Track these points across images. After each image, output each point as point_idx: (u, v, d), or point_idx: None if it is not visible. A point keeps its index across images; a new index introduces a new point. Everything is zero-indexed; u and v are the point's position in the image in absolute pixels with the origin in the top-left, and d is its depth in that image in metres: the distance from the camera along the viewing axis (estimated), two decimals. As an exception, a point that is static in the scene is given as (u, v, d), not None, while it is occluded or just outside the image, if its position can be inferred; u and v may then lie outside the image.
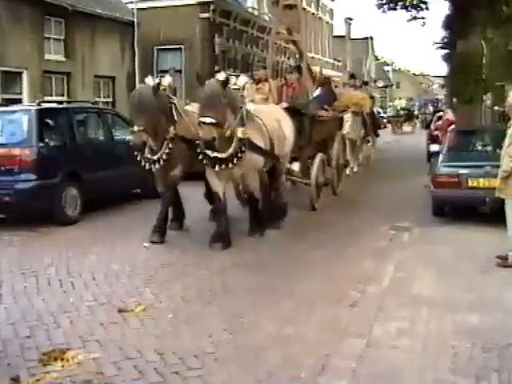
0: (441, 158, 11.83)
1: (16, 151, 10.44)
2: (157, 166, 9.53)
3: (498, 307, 6.51)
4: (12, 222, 10.84)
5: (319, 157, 12.62)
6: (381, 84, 67.68)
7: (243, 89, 9.72)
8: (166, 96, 9.71)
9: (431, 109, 50.67)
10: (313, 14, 44.74)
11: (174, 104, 9.78)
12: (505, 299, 6.80)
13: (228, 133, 8.71)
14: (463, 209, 11.57)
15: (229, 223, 9.44)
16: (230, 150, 8.81)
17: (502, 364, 5.12)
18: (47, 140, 10.88)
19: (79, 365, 5.01)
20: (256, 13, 33.96)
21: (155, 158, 9.47)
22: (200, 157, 8.99)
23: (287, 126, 10.61)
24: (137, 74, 24.05)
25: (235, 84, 9.32)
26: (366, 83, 23.11)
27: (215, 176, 9.25)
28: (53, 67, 21.32)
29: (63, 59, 21.88)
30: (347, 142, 16.88)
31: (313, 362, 5.16)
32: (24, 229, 10.36)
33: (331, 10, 51.41)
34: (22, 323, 5.96)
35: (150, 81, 9.48)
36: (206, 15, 27.13)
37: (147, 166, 9.63)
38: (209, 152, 8.79)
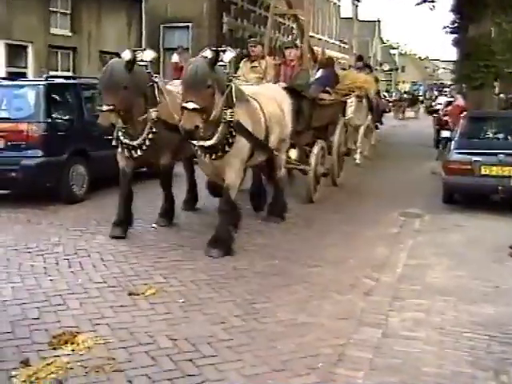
0: (453, 144, 11.66)
1: (23, 126, 10.23)
2: (139, 152, 8.35)
3: (514, 298, 6.41)
4: (17, 199, 10.70)
5: (319, 144, 11.40)
6: (386, 67, 67.24)
7: (236, 66, 9.22)
8: (145, 73, 8.54)
9: (436, 93, 49.66)
10: (320, -6, 44.27)
11: (156, 83, 8.59)
12: (521, 290, 6.69)
13: (213, 116, 7.47)
14: (474, 196, 11.45)
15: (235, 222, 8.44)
16: (217, 136, 7.61)
17: (520, 358, 5.02)
18: (55, 116, 10.67)
19: (90, 349, 4.87)
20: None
21: (135, 143, 8.33)
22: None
23: (288, 110, 9.42)
24: (143, 52, 23.76)
25: (221, 60, 8.07)
26: (369, 66, 22.30)
27: (206, 167, 8.15)
28: (59, 42, 21.13)
29: (69, 34, 21.69)
30: (350, 128, 15.94)
31: (329, 352, 5.03)
32: (30, 206, 10.20)
33: (339, -10, 50.94)
34: (30, 304, 5.82)
35: (126, 55, 8.20)
36: (214, -7, 26.82)
37: (126, 153, 8.44)
38: (194, 142, 7.71)
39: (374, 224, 9.82)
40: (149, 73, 8.72)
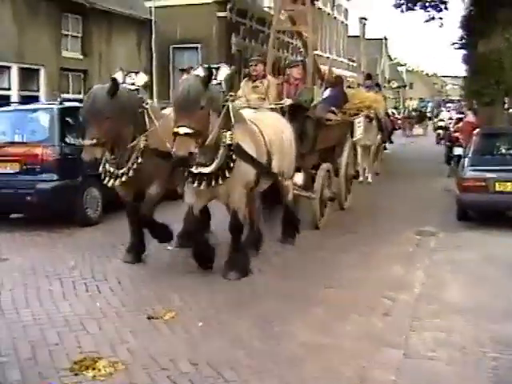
0: (467, 161, 11.64)
1: (38, 150, 10.30)
2: (123, 178, 7.82)
3: (535, 316, 6.36)
4: (32, 222, 10.73)
5: (325, 167, 10.84)
6: (395, 85, 67.46)
7: (230, 85, 7.89)
8: (135, 99, 7.89)
9: (443, 109, 48.65)
10: (328, 13, 44.51)
11: (146, 110, 8.00)
12: (541, 308, 6.65)
13: (210, 140, 6.88)
14: (488, 213, 11.40)
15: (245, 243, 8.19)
16: (217, 162, 7.06)
17: (544, 377, 4.97)
18: (69, 139, 10.73)
19: (111, 375, 4.87)
20: (272, 12, 33.74)
21: (120, 172, 7.82)
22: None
23: (289, 138, 8.89)
24: (154, 73, 23.98)
25: (215, 78, 7.39)
26: (378, 85, 21.71)
27: (195, 194, 7.46)
28: (70, 64, 21.30)
29: (80, 57, 21.86)
30: (359, 149, 16.03)
31: (351, 374, 5.01)
32: (45, 229, 10.25)
33: (346, 9, 51.13)
34: (50, 328, 5.83)
35: (119, 76, 7.78)
36: (222, 14, 27.00)
37: (109, 182, 7.98)
38: (191, 169, 7.08)
39: (389, 243, 9.77)
40: (140, 98, 8.04)
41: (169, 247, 8.98)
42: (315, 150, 10.70)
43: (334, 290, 7.28)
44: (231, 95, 7.78)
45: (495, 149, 12.29)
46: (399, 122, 40.36)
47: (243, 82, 10.65)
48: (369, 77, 20.82)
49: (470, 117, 16.88)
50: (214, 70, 7.35)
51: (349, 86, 17.84)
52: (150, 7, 24.44)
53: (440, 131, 31.67)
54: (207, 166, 7.05)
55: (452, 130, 20.42)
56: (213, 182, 7.10)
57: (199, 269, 7.84)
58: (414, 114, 47.33)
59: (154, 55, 24.66)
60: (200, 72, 7.05)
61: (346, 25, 51.99)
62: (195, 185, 7.16)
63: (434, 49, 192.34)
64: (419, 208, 12.98)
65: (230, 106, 7.30)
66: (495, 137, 12.87)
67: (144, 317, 6.16)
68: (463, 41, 22.53)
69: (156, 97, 22.85)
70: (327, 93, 12.75)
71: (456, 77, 79.13)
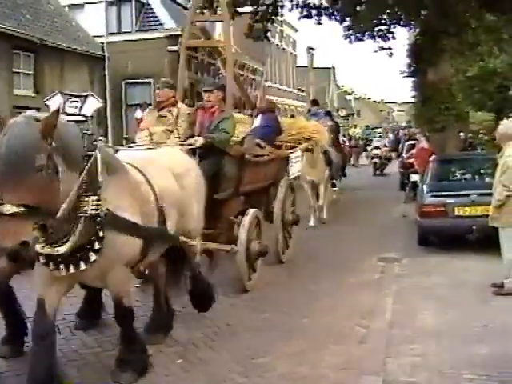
0: (425, 187, 11.90)
1: None
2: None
3: (506, 336, 6.53)
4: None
5: (252, 214, 8.81)
6: (343, 113, 68.40)
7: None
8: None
9: (391, 136, 44.21)
10: (277, 45, 45.11)
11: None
12: (511, 328, 6.80)
13: (63, 211, 4.57)
14: (449, 237, 11.64)
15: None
16: (72, 240, 4.84)
17: (521, 397, 5.10)
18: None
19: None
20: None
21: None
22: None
23: (195, 183, 6.66)
24: (108, 109, 23.93)
25: (79, 114, 5.76)
26: (329, 113, 20.17)
27: (49, 281, 5.15)
28: (22, 102, 21.05)
29: (32, 94, 21.65)
30: (306, 186, 14.38)
31: (335, 404, 5.06)
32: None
33: (294, 40, 51.93)
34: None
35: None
36: (174, 48, 27.10)
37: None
38: (38, 247, 4.73)
39: (354, 271, 9.88)
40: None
41: (137, 284, 8.90)
42: (239, 193, 8.97)
43: (309, 320, 7.35)
44: (101, 139, 5.61)
45: (452, 174, 12.62)
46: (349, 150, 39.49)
47: (147, 111, 9.09)
48: (315, 103, 18.70)
49: (424, 143, 17.26)
50: (78, 102, 5.94)
51: (292, 116, 17.01)
52: (102, 43, 24.44)
53: (376, 160, 30.11)
54: (61, 245, 4.85)
55: (405, 156, 20.77)
56: (71, 267, 4.94)
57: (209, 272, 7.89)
58: (360, 142, 41.76)
59: (108, 91, 24.60)
60: (32, 114, 4.62)
61: (295, 55, 52.73)
62: (50, 268, 4.97)
63: (381, 77, 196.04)
64: (380, 235, 13.15)
65: (99, 156, 4.97)
66: (451, 162, 13.23)
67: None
68: (411, 69, 23.10)
69: (111, 135, 22.80)
70: (257, 121, 10.97)
71: (403, 103, 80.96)
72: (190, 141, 8.08)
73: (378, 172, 29.45)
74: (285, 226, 10.59)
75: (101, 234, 4.95)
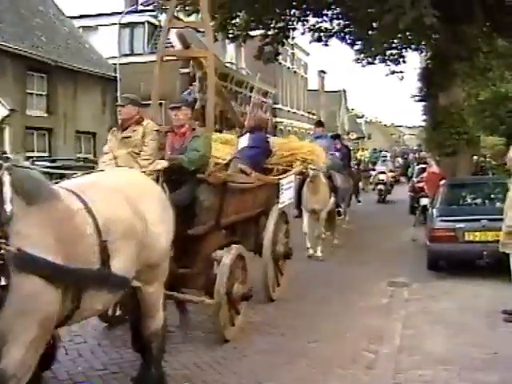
0: (435, 211, 11.85)
1: None
2: None
3: (517, 365, 6.45)
4: None
5: (233, 252, 7.48)
6: (354, 136, 68.47)
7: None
8: None
9: (400, 161, 42.77)
10: (288, 67, 45.36)
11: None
12: (521, 356, 6.74)
13: None
14: (458, 262, 11.56)
15: None
16: None
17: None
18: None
19: None
20: (234, 67, 34.37)
21: None
22: None
23: (155, 213, 5.28)
24: (119, 130, 24.05)
25: None
26: (338, 136, 18.77)
27: None
28: (35, 123, 21.26)
29: (45, 115, 21.85)
30: (305, 216, 13.18)
31: (342, 430, 5.01)
32: None
33: (306, 63, 52.23)
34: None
35: None
36: (186, 70, 27.29)
37: None
38: None
39: (363, 295, 9.82)
40: None
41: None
42: (221, 225, 7.75)
43: (316, 343, 7.31)
44: (9, 156, 4.49)
45: (462, 199, 12.56)
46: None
47: (110, 132, 7.85)
48: (319, 124, 16.37)
49: (434, 167, 17.19)
50: None
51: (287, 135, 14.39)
52: (115, 64, 24.65)
53: (381, 187, 26.92)
54: None
55: (415, 180, 20.72)
56: None
57: (181, 329, 7.76)
58: (370, 166, 36.63)
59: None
60: None
61: (306, 78, 52.99)
62: None
63: (391, 100, 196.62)
64: (389, 259, 13.08)
65: (6, 180, 3.98)
66: (462, 187, 13.17)
67: (128, 379, 6.04)
68: (423, 93, 23.10)
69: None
70: (243, 141, 9.87)
71: (413, 127, 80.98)
72: (151, 166, 6.94)
73: (382, 198, 26.60)
74: (276, 260, 9.46)
75: (2, 281, 3.75)
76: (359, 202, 19.93)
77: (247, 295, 7.77)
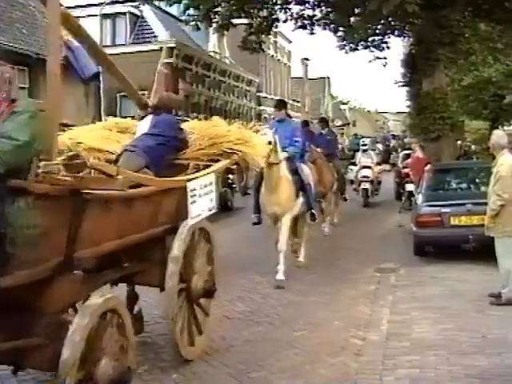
0: (421, 197, 11.87)
1: None
2: None
3: (504, 348, 6.49)
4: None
5: (95, 304, 4.63)
6: (338, 123, 68.41)
7: None
8: None
9: (380, 147, 39.48)
10: (271, 56, 45.24)
11: None
12: (508, 339, 6.78)
13: None
14: (444, 247, 11.59)
15: None
16: None
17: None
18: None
19: None
20: (217, 57, 34.24)
21: None
22: None
23: None
24: (103, 122, 23.94)
25: None
26: (323, 120, 17.45)
27: None
28: (17, 116, 21.08)
29: (27, 108, 21.66)
30: (269, 221, 10.58)
31: (332, 418, 5.00)
32: None
33: (289, 51, 52.11)
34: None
35: None
36: (169, 60, 27.21)
37: None
38: None
39: (350, 282, 9.84)
40: None
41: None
42: (78, 263, 4.71)
43: (304, 332, 7.30)
44: None
45: (447, 184, 12.61)
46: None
47: None
48: (280, 106, 11.46)
49: (419, 152, 17.21)
50: None
51: (197, 118, 8.71)
52: (97, 56, 24.47)
53: (367, 186, 20.24)
54: None
55: (401, 165, 20.72)
56: None
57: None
58: (348, 153, 29.27)
59: (102, 103, 24.63)
60: None
61: (289, 66, 52.87)
62: None
63: (376, 87, 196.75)
64: (375, 246, 13.11)
65: None
66: (446, 172, 13.22)
67: (116, 372, 6.01)
68: (406, 78, 23.11)
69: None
70: (143, 126, 7.04)
71: (398, 113, 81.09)
72: None
73: (370, 199, 20.46)
74: (190, 300, 6.47)
75: None
76: (345, 199, 16.70)
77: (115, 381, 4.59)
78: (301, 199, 10.39)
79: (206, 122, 7.73)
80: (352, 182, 21.20)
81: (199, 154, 6.97)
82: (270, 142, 9.23)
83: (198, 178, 6.64)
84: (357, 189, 20.69)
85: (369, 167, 20.84)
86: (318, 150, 13.67)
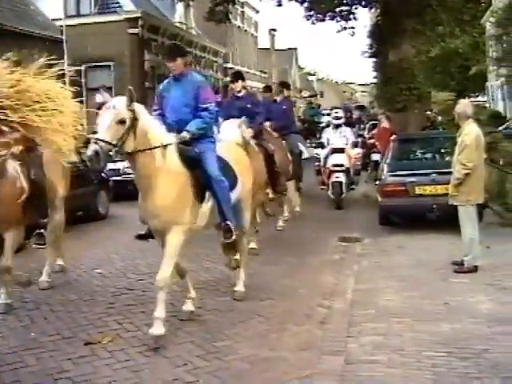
0: (386, 167, 11.95)
1: None
2: None
3: (466, 314, 6.61)
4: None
5: None
6: (306, 94, 68.37)
7: None
8: None
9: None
10: (238, 26, 44.86)
11: None
12: (470, 306, 6.91)
13: None
14: (409, 217, 11.70)
15: None
16: None
17: (481, 371, 5.14)
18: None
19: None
20: (184, 27, 33.83)
21: None
22: None
23: None
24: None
25: None
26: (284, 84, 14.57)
27: None
28: (-21, 88, 20.64)
29: (-11, 80, 21.22)
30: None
31: (297, 385, 5.05)
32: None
33: (256, 22, 51.69)
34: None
35: None
36: (134, 31, 26.86)
37: None
38: None
39: (316, 252, 9.91)
40: None
41: (99, 270, 8.83)
42: None
43: (269, 301, 7.34)
44: None
45: (413, 154, 12.70)
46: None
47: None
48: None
49: (385, 123, 17.30)
50: None
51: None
52: (61, 26, 24.00)
53: (341, 178, 14.40)
54: None
55: (367, 136, 20.83)
56: None
57: (132, 290, 7.72)
58: (301, 126, 23.72)
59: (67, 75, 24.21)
60: None
61: (256, 37, 52.50)
62: None
63: (343, 58, 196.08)
64: (341, 216, 13.18)
65: None
66: (412, 142, 13.31)
67: (81, 343, 5.98)
68: (373, 49, 23.13)
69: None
70: None
71: (365, 84, 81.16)
72: None
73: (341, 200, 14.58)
74: None
75: None
76: (299, 189, 13.57)
77: None
78: (209, 204, 6.62)
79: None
80: (318, 172, 15.81)
81: None
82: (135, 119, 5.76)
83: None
84: (325, 182, 14.91)
85: (342, 150, 14.86)
86: (268, 124, 11.21)
